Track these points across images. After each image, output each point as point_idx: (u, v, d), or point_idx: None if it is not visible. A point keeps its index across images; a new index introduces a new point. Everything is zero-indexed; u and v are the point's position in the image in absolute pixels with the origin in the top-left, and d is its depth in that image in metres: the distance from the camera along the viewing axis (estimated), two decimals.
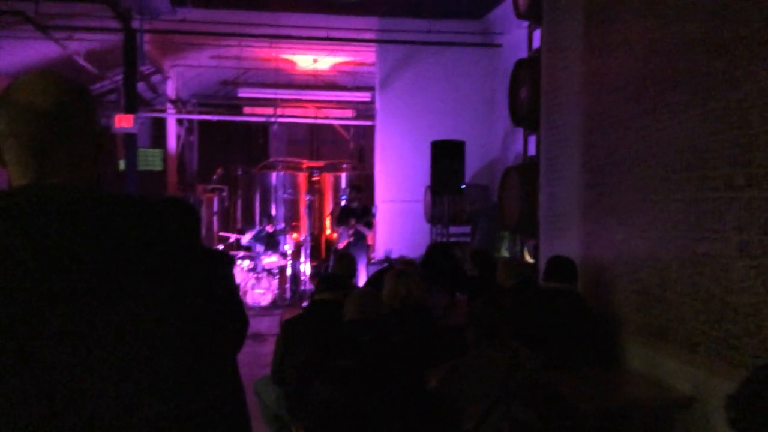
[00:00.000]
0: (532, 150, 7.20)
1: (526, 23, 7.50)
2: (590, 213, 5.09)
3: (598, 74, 5.01)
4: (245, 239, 10.67)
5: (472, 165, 10.07)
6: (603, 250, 4.87)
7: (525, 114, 6.86)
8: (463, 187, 8.83)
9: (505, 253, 8.31)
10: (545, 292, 4.48)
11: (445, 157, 8.62)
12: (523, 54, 7.56)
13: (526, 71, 6.84)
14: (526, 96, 6.79)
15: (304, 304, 9.37)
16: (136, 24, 10.28)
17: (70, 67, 11.35)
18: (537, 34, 6.77)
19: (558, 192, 5.74)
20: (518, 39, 9.37)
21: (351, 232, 9.76)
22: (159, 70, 13.61)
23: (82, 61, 11.09)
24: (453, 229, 9.69)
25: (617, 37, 4.73)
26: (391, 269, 5.11)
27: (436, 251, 6.58)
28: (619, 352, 4.51)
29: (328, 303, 4.12)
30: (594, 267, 4.97)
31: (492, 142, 11.33)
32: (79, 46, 11.05)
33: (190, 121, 15.34)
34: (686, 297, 3.84)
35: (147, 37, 10.65)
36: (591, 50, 5.15)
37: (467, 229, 10.35)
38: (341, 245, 9.85)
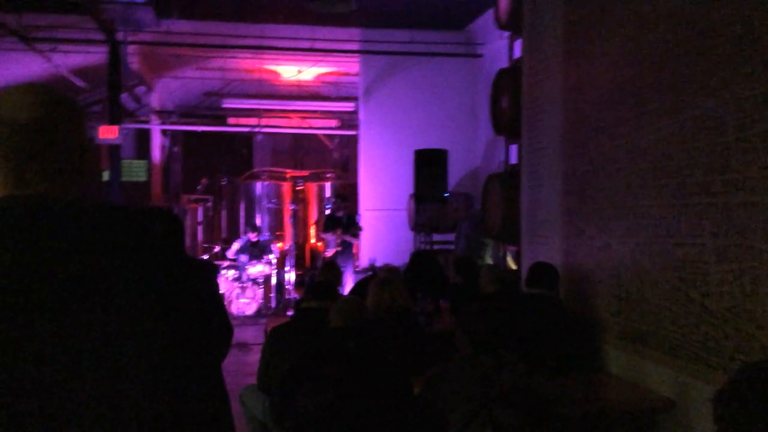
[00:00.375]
0: (513, 158, 7.26)
1: (507, 33, 7.58)
2: (571, 220, 5.15)
3: (578, 83, 5.09)
4: (231, 252, 10.62)
5: (455, 173, 10.15)
6: (584, 256, 4.93)
7: (506, 123, 6.93)
8: (446, 195, 8.89)
9: (489, 260, 8.36)
10: (527, 298, 4.53)
11: (429, 165, 8.69)
12: (505, 64, 7.64)
13: (508, 81, 6.91)
14: (508, 105, 6.86)
15: (289, 312, 9.41)
16: (120, 36, 10.27)
17: (60, 82, 11.31)
18: (518, 44, 6.84)
19: (539, 199, 5.80)
20: (499, 49, 9.46)
21: (338, 241, 9.81)
22: (143, 81, 13.59)
23: (69, 75, 11.05)
24: (436, 237, 9.75)
25: (596, 47, 4.81)
26: (375, 277, 5.14)
27: (419, 259, 6.62)
28: (600, 357, 4.57)
29: (314, 311, 4.14)
30: (575, 273, 5.03)
31: (474, 150, 11.42)
32: (72, 61, 11.01)
33: (174, 131, 15.31)
34: (666, 301, 3.90)
35: (131, 48, 10.64)
36: (571, 59, 5.23)
37: (451, 236, 10.41)
38: (328, 254, 9.88)
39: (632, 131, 4.29)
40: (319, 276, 6.01)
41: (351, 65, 12.55)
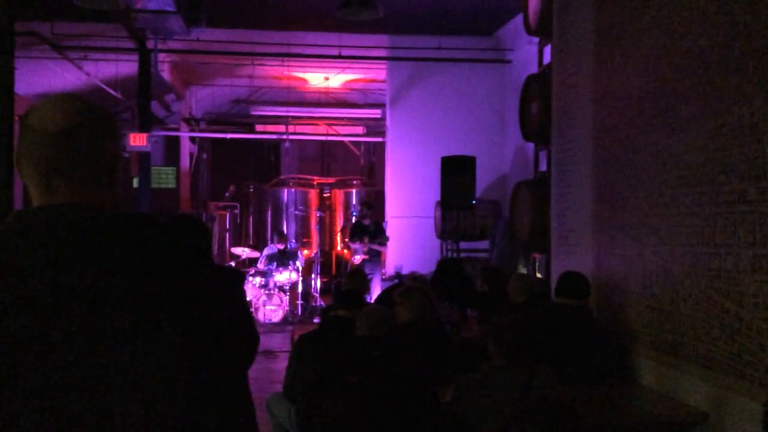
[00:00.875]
0: (543, 165, 7.19)
1: (536, 39, 7.52)
2: (602, 228, 5.07)
3: (609, 89, 5.02)
4: (262, 263, 10.65)
5: (482, 180, 10.07)
6: (615, 265, 4.85)
7: (536, 129, 6.87)
8: (473, 202, 8.83)
9: (522, 269, 8.28)
10: (557, 308, 4.46)
11: (456, 172, 8.63)
12: (534, 69, 7.58)
13: (537, 86, 6.85)
14: (537, 111, 6.80)
15: (316, 320, 9.41)
16: (150, 44, 10.40)
17: (91, 90, 11.50)
18: (547, 50, 6.79)
19: (569, 207, 5.73)
20: (528, 55, 9.40)
21: (365, 249, 9.80)
22: (172, 89, 13.76)
23: (101, 84, 11.23)
24: (463, 245, 9.68)
25: (628, 52, 4.74)
26: (402, 285, 5.10)
27: (446, 267, 6.58)
28: (632, 368, 4.48)
29: (342, 319, 4.13)
30: (606, 282, 4.95)
31: (502, 157, 11.34)
32: (102, 69, 11.19)
33: (202, 139, 15.46)
34: (700, 312, 3.82)
35: (161, 57, 10.77)
36: (601, 65, 5.16)
37: (478, 244, 10.34)
38: (356, 261, 9.88)
39: (664, 138, 4.22)
40: (344, 284, 5.99)
41: (378, 72, 12.57)
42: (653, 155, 4.35)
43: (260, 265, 10.58)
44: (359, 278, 5.68)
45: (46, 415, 1.06)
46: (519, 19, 9.50)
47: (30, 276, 1.08)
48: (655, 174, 4.32)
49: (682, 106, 4.03)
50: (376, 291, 9.24)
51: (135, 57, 10.96)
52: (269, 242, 11.58)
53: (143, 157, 11.31)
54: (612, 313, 4.84)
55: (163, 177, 16.67)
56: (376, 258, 9.98)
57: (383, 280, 10.08)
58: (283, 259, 10.48)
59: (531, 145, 7.84)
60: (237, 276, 1.34)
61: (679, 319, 4.03)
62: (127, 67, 11.43)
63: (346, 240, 10.98)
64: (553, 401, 2.23)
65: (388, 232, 10.72)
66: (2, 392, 1.06)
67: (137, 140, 10.60)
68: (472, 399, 2.94)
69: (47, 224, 1.14)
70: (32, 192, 1.22)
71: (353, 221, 10.79)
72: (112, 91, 11.51)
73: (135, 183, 11.64)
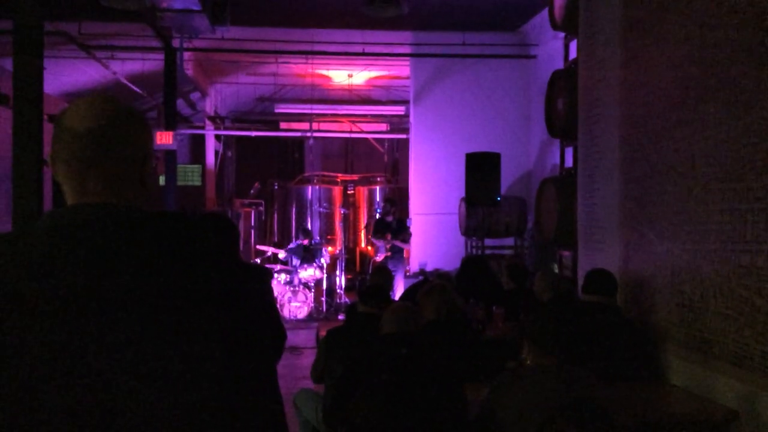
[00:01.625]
0: (569, 161, 7.13)
1: (562, 34, 7.46)
2: (629, 224, 5.01)
3: (637, 84, 4.95)
4: (283, 253, 10.78)
5: (507, 177, 10.02)
6: (643, 262, 4.79)
7: (562, 125, 6.81)
8: (498, 198, 8.78)
9: (556, 268, 8.21)
10: (585, 306, 4.41)
11: (480, 169, 8.59)
12: (559, 65, 7.52)
13: (563, 82, 6.79)
14: (563, 107, 6.74)
15: (340, 317, 9.44)
16: (176, 43, 10.49)
17: (118, 89, 11.63)
18: (573, 45, 6.73)
19: (596, 203, 5.67)
20: (554, 50, 9.32)
21: (388, 246, 9.79)
22: (198, 88, 13.86)
23: (126, 82, 11.35)
24: (488, 242, 9.63)
25: (656, 47, 4.68)
26: (427, 283, 5.09)
27: (471, 264, 6.54)
28: (661, 366, 4.42)
29: (367, 316, 4.14)
30: (634, 279, 4.89)
31: (527, 153, 11.27)
32: (129, 68, 11.32)
33: (227, 136, 15.56)
34: (730, 310, 3.76)
35: (186, 55, 10.86)
36: (629, 60, 5.09)
37: (503, 241, 10.28)
38: (379, 258, 9.88)
39: (694, 133, 4.15)
40: (369, 281, 5.99)
41: (402, 68, 12.55)
42: (683, 151, 4.28)
43: (281, 255, 10.75)
44: (384, 275, 5.67)
45: (76, 416, 1.07)
46: (544, 14, 9.42)
47: (63, 275, 1.10)
48: (685, 169, 4.25)
49: (712, 100, 3.97)
50: (398, 288, 9.24)
51: (160, 55, 11.06)
52: (293, 239, 11.64)
53: (169, 155, 11.42)
54: (640, 310, 4.78)
55: (189, 175, 16.81)
56: (398, 255, 9.97)
57: (407, 277, 10.07)
58: (308, 255, 10.52)
59: (556, 141, 7.78)
60: (264, 273, 1.34)
61: (709, 317, 3.97)
62: (149, 63, 11.53)
63: (370, 237, 11.00)
64: (588, 402, 2.20)
65: (411, 229, 10.70)
66: (32, 393, 1.07)
67: (163, 138, 10.70)
68: (507, 398, 2.91)
69: (80, 223, 1.15)
70: (65, 191, 1.24)
71: (376, 218, 10.79)
72: (136, 89, 11.62)
73: (161, 181, 11.75)
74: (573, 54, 6.77)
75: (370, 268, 10.32)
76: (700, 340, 4.06)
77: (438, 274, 6.50)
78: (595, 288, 4.40)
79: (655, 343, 4.50)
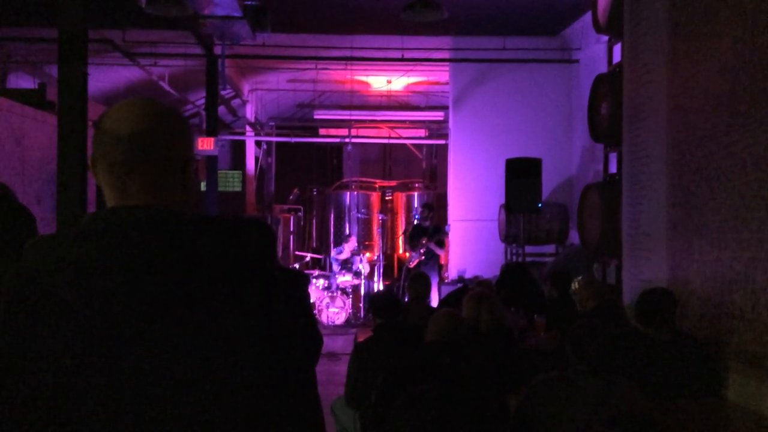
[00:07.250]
0: (613, 167, 6.98)
1: (605, 38, 7.32)
2: (677, 232, 4.87)
3: (684, 88, 4.82)
4: (334, 254, 10.88)
5: (548, 183, 9.86)
6: (692, 271, 4.64)
7: (605, 130, 6.68)
8: (539, 205, 8.64)
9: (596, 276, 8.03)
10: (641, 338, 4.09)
11: (521, 175, 8.46)
12: (602, 69, 7.38)
13: (607, 86, 6.66)
14: (607, 111, 6.61)
15: None
16: (217, 50, 10.60)
17: (153, 90, 11.81)
18: (617, 49, 6.59)
19: (642, 210, 5.53)
20: (596, 54, 9.16)
21: (422, 250, 9.70)
22: (239, 94, 14.00)
23: (165, 86, 11.51)
24: (529, 249, 9.48)
25: (704, 49, 4.54)
26: (469, 291, 5.01)
27: (512, 272, 6.41)
28: (713, 381, 4.25)
29: (387, 327, 4.16)
30: (682, 289, 4.74)
31: (569, 159, 11.09)
32: (162, 69, 11.48)
33: (267, 143, 15.68)
34: None
35: (228, 62, 10.97)
36: (675, 63, 4.96)
37: (544, 248, 10.12)
38: (412, 264, 9.79)
39: (744, 138, 4.01)
40: (408, 288, 5.93)
41: (441, 74, 12.49)
42: (733, 156, 4.14)
43: (333, 253, 10.91)
44: (423, 282, 5.61)
45: (112, 418, 1.07)
46: (586, 18, 9.27)
47: (103, 277, 1.10)
48: (735, 176, 4.11)
49: (762, 104, 3.83)
50: (433, 295, 9.14)
51: (200, 62, 11.19)
52: (332, 246, 11.65)
53: (210, 160, 11.55)
54: (689, 321, 4.63)
55: (230, 180, 17.00)
56: (432, 261, 9.84)
57: (445, 284, 9.96)
58: (346, 261, 10.52)
59: (599, 146, 7.63)
60: (302, 278, 1.32)
61: (761, 328, 3.82)
62: (191, 70, 11.65)
63: (406, 244, 10.94)
64: (634, 415, 2.12)
65: (450, 236, 10.59)
66: (70, 395, 1.07)
67: (205, 144, 10.81)
68: (545, 402, 2.83)
69: (121, 225, 1.15)
70: (106, 194, 1.25)
71: (414, 224, 10.72)
72: (172, 91, 11.75)
73: (202, 186, 11.90)
74: (617, 57, 6.63)
75: (403, 274, 10.24)
76: (752, 353, 3.90)
77: (478, 281, 6.40)
78: (651, 320, 4.02)
79: (706, 355, 4.34)
